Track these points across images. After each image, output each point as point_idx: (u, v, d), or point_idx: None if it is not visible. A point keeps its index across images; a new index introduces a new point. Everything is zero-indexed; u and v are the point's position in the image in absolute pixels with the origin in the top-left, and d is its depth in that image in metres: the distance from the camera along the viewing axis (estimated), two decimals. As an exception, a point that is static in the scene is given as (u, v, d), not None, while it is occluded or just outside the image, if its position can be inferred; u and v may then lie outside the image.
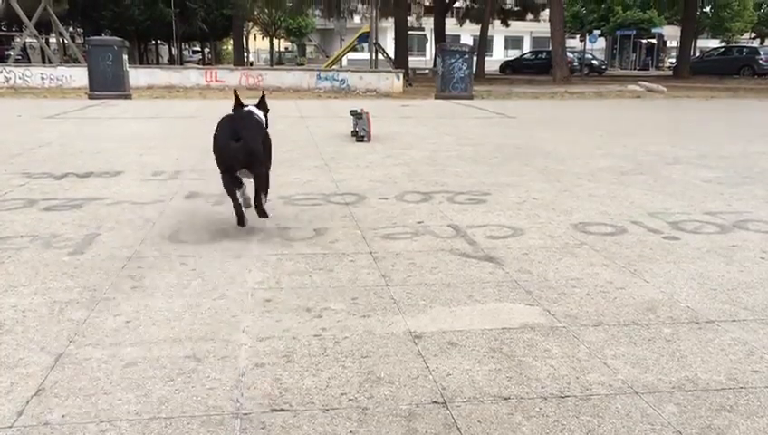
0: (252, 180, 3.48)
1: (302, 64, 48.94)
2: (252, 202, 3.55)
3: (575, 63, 35.47)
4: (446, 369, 2.07)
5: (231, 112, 3.56)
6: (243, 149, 3.30)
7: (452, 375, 2.03)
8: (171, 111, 11.63)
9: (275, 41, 56.29)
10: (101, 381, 1.96)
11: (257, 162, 3.39)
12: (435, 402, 1.88)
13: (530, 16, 36.33)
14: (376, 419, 1.79)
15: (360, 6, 32.10)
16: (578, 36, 48.47)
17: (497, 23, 35.50)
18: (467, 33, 41.92)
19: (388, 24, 35.92)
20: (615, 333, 2.36)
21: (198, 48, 60.18)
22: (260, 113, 3.68)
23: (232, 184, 3.44)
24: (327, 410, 1.83)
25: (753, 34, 52.51)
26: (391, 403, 1.87)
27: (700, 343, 2.29)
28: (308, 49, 62.73)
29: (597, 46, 42.65)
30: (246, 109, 3.61)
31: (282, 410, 1.83)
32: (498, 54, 54.09)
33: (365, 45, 29.11)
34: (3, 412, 1.79)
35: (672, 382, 2.00)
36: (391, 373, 2.04)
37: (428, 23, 37.86)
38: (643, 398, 1.91)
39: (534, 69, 35.93)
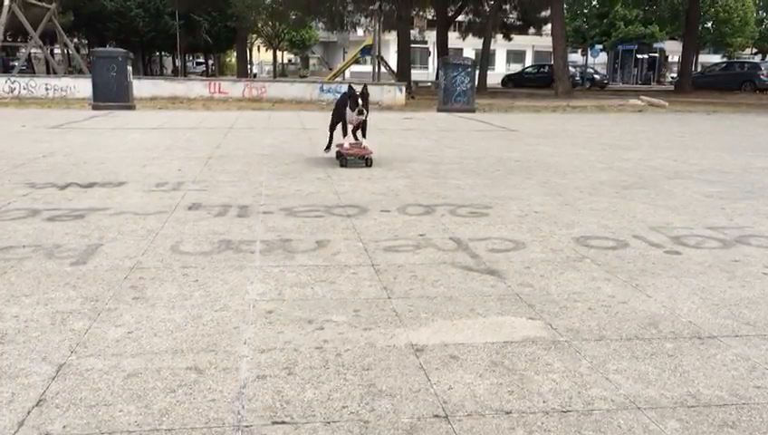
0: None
1: (305, 76, 49.20)
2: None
3: (577, 77, 35.66)
4: (448, 382, 2.07)
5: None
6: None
7: (453, 389, 2.03)
8: (174, 122, 11.68)
9: (279, 53, 56.62)
10: (103, 392, 1.96)
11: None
12: (436, 416, 1.87)
13: (532, 30, 36.53)
14: (377, 432, 1.78)
15: (363, 19, 32.29)
16: (580, 50, 48.76)
17: (499, 37, 35.63)
18: (470, 47, 42.21)
19: (391, 37, 36.16)
20: (617, 348, 2.35)
21: (202, 59, 60.59)
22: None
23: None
24: (328, 422, 1.82)
25: (754, 50, 52.78)
26: (393, 417, 1.86)
27: (702, 358, 2.28)
28: (311, 61, 63.07)
29: (599, 60, 42.91)
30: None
31: (283, 422, 1.82)
32: (500, 68, 54.38)
33: (368, 58, 29.31)
34: (4, 423, 1.79)
35: (674, 398, 2.00)
36: (393, 386, 2.03)
37: (431, 36, 38.04)
38: (645, 413, 1.90)
39: (536, 83, 36.09)
